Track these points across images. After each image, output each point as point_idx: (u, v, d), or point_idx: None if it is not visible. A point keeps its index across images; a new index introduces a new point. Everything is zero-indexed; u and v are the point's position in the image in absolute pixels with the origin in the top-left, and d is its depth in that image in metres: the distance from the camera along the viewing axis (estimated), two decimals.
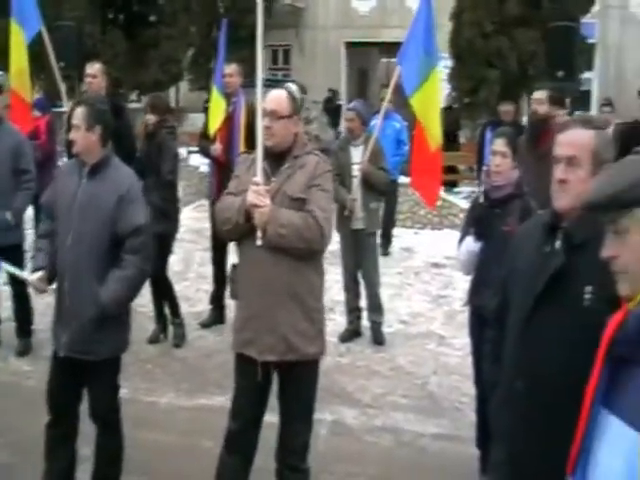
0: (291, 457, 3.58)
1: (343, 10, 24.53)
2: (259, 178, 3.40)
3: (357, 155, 6.64)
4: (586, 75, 22.66)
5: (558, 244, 2.37)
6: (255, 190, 3.33)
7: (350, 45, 24.25)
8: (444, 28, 14.38)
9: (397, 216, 10.20)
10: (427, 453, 4.79)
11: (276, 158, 3.49)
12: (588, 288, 2.24)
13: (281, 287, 3.36)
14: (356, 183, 6.54)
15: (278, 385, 3.57)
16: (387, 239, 9.40)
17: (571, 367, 2.24)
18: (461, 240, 4.43)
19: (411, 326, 6.99)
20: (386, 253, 9.25)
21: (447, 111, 12.93)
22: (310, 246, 3.36)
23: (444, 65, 15.00)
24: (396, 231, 9.89)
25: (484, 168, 5.70)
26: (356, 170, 6.59)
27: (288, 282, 3.36)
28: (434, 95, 6.70)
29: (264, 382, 3.51)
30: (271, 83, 8.71)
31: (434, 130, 6.64)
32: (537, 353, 2.35)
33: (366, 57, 23.84)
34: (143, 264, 3.75)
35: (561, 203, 2.37)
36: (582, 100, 18.35)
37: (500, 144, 4.32)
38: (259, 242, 3.35)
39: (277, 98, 3.50)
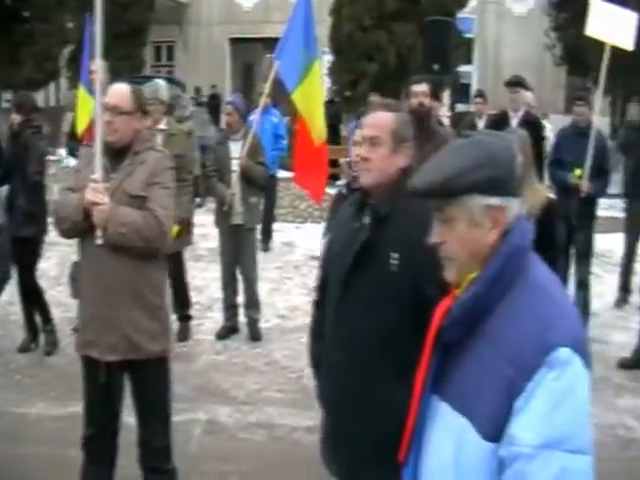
0: (153, 459, 3.53)
1: (227, 6, 24.40)
2: (98, 175, 3.31)
3: (236, 150, 6.59)
4: (466, 68, 23.38)
5: (366, 219, 2.51)
6: (94, 188, 3.24)
7: (234, 41, 24.14)
8: (324, 23, 14.51)
9: (278, 211, 10.20)
10: (300, 446, 4.80)
11: (116, 154, 3.41)
12: (394, 255, 2.39)
13: (122, 286, 3.29)
14: (235, 178, 6.49)
15: (130, 386, 3.50)
16: (267, 234, 9.38)
17: (383, 332, 2.41)
18: (325, 233, 4.46)
19: (288, 320, 6.99)
20: (266, 248, 9.23)
21: (329, 105, 13.03)
22: (150, 244, 3.31)
23: (326, 60, 15.18)
24: (277, 226, 9.89)
25: (346, 159, 5.76)
26: (235, 165, 6.54)
27: (129, 281, 3.30)
28: (316, 89, 6.66)
29: (111, 384, 3.42)
30: (142, 80, 8.57)
31: (318, 125, 6.62)
32: (352, 323, 2.47)
33: (250, 52, 23.79)
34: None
35: (366, 180, 2.53)
36: (462, 92, 18.87)
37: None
38: (99, 241, 3.27)
39: (119, 93, 3.41)
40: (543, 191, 4.15)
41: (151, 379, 3.46)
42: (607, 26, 7.21)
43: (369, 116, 2.59)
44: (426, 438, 1.85)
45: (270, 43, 12.30)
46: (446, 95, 17.45)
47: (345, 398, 2.50)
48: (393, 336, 2.40)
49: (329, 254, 2.73)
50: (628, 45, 7.21)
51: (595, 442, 4.84)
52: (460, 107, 16.28)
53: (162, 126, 6.35)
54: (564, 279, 6.90)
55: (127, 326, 3.31)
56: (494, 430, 1.66)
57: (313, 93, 6.60)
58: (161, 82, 6.68)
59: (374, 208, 2.48)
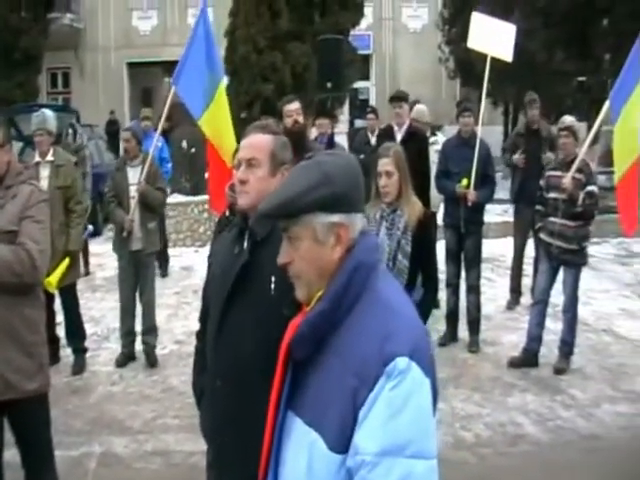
0: None
1: (124, 30, 24.14)
2: None
3: (134, 175, 6.58)
4: (364, 84, 23.83)
5: (245, 243, 2.48)
6: None
7: (132, 65, 23.89)
8: (221, 45, 14.52)
9: (177, 235, 10.14)
10: (197, 470, 4.74)
11: None
12: (272, 278, 2.35)
13: None
14: (134, 204, 6.46)
15: (9, 427, 3.42)
16: (164, 259, 9.29)
17: (264, 356, 2.31)
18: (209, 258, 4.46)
19: (186, 345, 6.93)
20: (165, 274, 9.15)
21: None
22: (22, 280, 3.23)
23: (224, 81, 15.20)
24: (176, 251, 9.83)
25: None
26: (133, 191, 6.51)
27: (3, 318, 3.22)
28: (223, 112, 6.54)
29: None
30: (35, 108, 8.39)
31: (230, 147, 6.56)
32: (232, 349, 2.43)
33: (149, 76, 23.60)
34: None
35: (244, 202, 2.48)
36: (361, 108, 19.21)
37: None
38: None
39: None
40: (419, 205, 4.26)
41: (30, 418, 3.39)
42: (487, 38, 7.50)
43: (246, 138, 2.56)
44: (283, 454, 1.88)
45: (169, 66, 12.26)
46: (345, 111, 17.74)
47: (229, 425, 2.46)
48: (274, 359, 2.39)
49: (210, 283, 2.68)
50: (507, 56, 7.51)
51: (486, 439, 5.06)
52: (359, 123, 16.57)
53: (49, 157, 6.28)
54: (456, 285, 7.12)
55: (2, 366, 3.23)
56: (342, 441, 1.70)
57: (220, 117, 6.52)
58: (48, 112, 6.58)
59: (252, 231, 2.46)
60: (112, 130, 18.74)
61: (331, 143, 7.35)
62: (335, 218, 1.80)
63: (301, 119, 6.25)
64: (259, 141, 2.51)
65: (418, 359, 1.70)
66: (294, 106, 6.20)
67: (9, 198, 3.32)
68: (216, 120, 6.51)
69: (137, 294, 6.67)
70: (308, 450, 1.76)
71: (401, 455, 1.64)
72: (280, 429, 1.87)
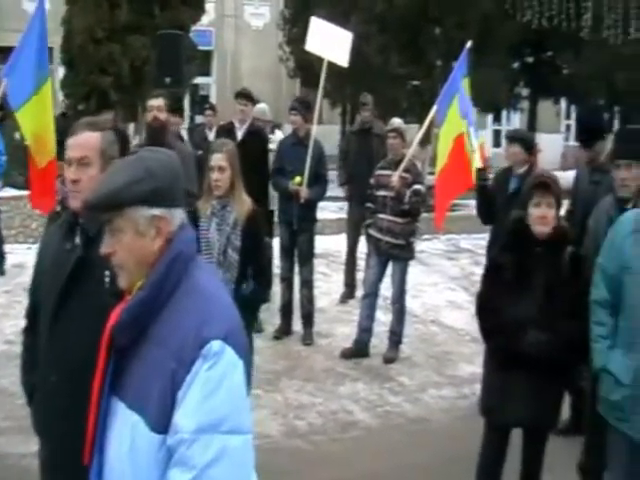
0: None
1: None
2: None
3: None
4: (205, 80, 23.72)
5: (77, 240, 2.49)
6: None
7: None
8: (58, 33, 14.00)
9: (9, 232, 9.71)
10: (30, 473, 4.61)
11: None
12: (107, 272, 2.36)
13: None
14: None
15: None
16: (1, 256, 8.90)
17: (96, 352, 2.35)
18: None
19: (16, 345, 6.59)
20: (1, 272, 8.77)
21: (61, 118, 12.57)
22: None
23: (61, 72, 14.65)
24: (8, 247, 9.40)
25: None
26: None
27: None
28: (43, 109, 6.31)
29: None
30: None
31: (46, 145, 6.34)
32: (67, 343, 2.44)
33: None
34: None
35: (76, 203, 2.47)
36: (202, 104, 19.10)
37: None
38: None
39: None
40: (249, 202, 4.39)
41: None
42: (324, 43, 7.72)
43: (75, 136, 2.54)
44: (107, 438, 1.95)
45: (5, 52, 11.71)
46: (185, 108, 17.58)
47: (63, 420, 2.43)
48: None
49: (39, 278, 2.65)
50: (343, 62, 7.77)
51: (319, 427, 5.28)
52: (200, 119, 16.48)
53: None
54: (289, 279, 7.31)
55: None
56: (162, 422, 1.81)
57: (40, 113, 6.32)
58: None
59: (84, 228, 2.47)
60: None
61: (180, 140, 7.36)
62: (156, 212, 1.91)
63: (163, 116, 6.19)
64: (88, 139, 2.52)
65: (232, 342, 1.84)
66: (156, 102, 6.17)
67: None
68: (35, 116, 6.31)
69: None
70: (131, 432, 1.85)
71: (217, 431, 1.77)
72: (105, 414, 1.95)
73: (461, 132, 6.45)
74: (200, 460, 1.75)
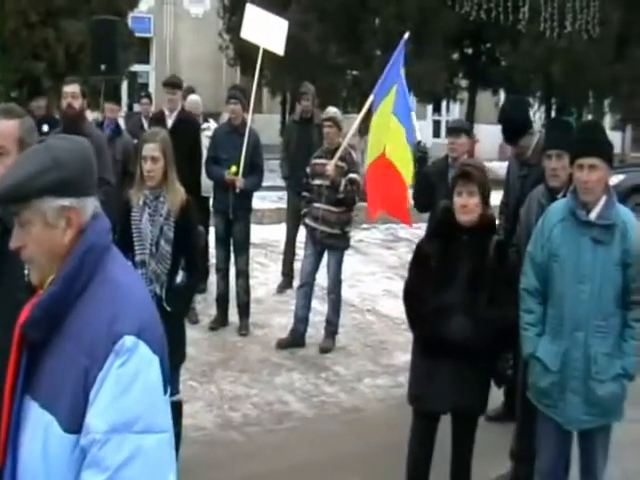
0: None
1: None
2: None
3: None
4: (144, 68, 23.37)
5: None
6: None
7: None
8: None
9: None
10: None
11: None
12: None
13: None
14: None
15: None
16: None
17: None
18: None
19: None
20: None
21: None
22: None
23: None
24: None
25: None
26: None
27: None
28: None
29: None
30: None
31: None
32: None
33: None
34: None
35: None
36: (140, 92, 18.81)
37: None
38: None
39: None
40: (182, 191, 4.32)
41: None
42: (260, 31, 7.66)
43: None
44: (20, 439, 1.87)
45: None
46: (123, 95, 17.29)
47: None
48: None
49: None
50: (279, 50, 7.71)
51: (254, 418, 5.23)
52: (137, 107, 16.25)
53: None
54: (225, 270, 7.24)
55: None
56: (75, 422, 1.74)
57: None
58: None
59: (1, 219, 2.39)
60: None
61: (117, 128, 7.24)
62: (65, 202, 1.82)
63: (78, 103, 6.07)
64: (5, 128, 2.47)
65: (146, 338, 1.77)
66: (70, 89, 6.04)
67: None
68: None
69: None
70: (43, 432, 1.78)
71: (130, 431, 1.71)
72: (17, 414, 1.87)
73: (382, 153, 6.43)
74: (113, 461, 1.69)
